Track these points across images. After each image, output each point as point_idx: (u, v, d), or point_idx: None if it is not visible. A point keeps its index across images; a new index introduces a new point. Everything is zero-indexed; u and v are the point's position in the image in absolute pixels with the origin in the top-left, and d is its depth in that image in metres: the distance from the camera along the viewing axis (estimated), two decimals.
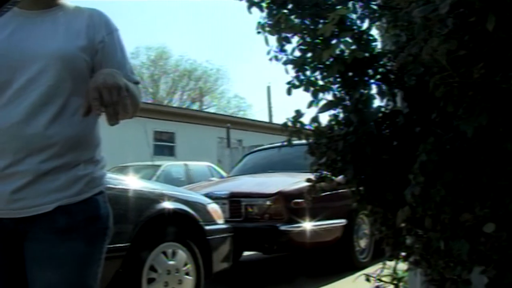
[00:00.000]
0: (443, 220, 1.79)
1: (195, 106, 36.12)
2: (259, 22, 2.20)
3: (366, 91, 2.07)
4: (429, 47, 1.59)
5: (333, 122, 2.19)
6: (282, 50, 2.17)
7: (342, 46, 1.95)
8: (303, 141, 2.37)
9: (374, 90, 2.12)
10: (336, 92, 2.14)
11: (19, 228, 1.67)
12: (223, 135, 20.19)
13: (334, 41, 1.97)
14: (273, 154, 7.74)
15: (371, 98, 2.09)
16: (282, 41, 2.14)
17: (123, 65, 1.80)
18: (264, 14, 2.18)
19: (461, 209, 1.75)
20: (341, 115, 2.17)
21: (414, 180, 1.79)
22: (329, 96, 2.16)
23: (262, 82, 72.12)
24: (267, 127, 25.55)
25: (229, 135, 19.55)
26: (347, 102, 2.10)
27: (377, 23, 2.21)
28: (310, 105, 2.17)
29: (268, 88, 43.50)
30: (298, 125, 2.25)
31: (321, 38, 1.97)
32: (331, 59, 2.00)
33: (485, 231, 1.68)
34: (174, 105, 32.50)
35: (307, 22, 2.03)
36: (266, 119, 31.59)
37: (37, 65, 1.65)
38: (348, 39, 1.97)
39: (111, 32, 1.80)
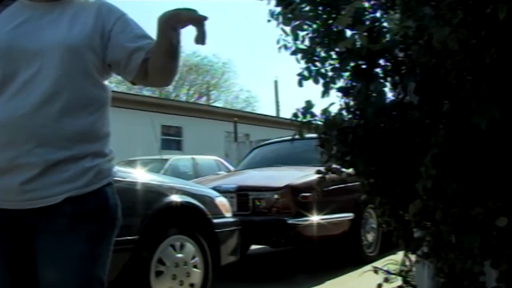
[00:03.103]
0: (454, 214, 1.77)
1: (202, 101, 36.15)
2: (270, 10, 2.19)
3: (379, 84, 2.05)
4: (440, 36, 1.58)
5: (343, 110, 2.17)
6: (295, 39, 2.16)
7: (356, 38, 1.93)
8: (311, 135, 2.36)
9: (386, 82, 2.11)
10: (348, 81, 2.13)
11: (29, 220, 1.67)
12: (230, 129, 20.19)
13: (349, 33, 1.95)
14: (281, 148, 7.73)
15: (384, 91, 2.07)
16: (296, 30, 2.12)
17: (145, 35, 1.79)
18: (273, 2, 2.17)
19: (472, 202, 1.73)
20: (352, 103, 2.15)
21: (426, 173, 1.78)
22: (339, 84, 2.15)
23: (270, 76, 71.99)
24: (274, 121, 25.55)
25: (237, 129, 19.54)
26: (359, 92, 2.08)
27: (388, 14, 2.20)
28: (323, 94, 2.15)
29: (276, 82, 43.55)
30: (308, 116, 2.24)
31: (334, 29, 1.95)
32: (343, 49, 1.98)
33: (498, 225, 1.66)
34: (182, 100, 32.48)
35: (319, 11, 2.01)
36: (273, 114, 31.60)
37: (43, 57, 1.65)
38: (363, 32, 1.95)
39: (120, 17, 1.80)
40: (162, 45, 1.67)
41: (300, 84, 2.19)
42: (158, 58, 1.71)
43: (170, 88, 35.78)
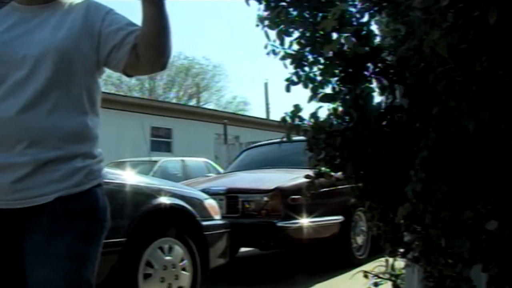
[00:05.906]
0: (444, 217, 1.77)
1: (192, 103, 36.11)
2: (258, 15, 2.18)
3: (366, 87, 2.04)
4: (430, 40, 1.58)
5: (331, 116, 2.17)
6: (281, 44, 2.15)
7: (343, 41, 1.93)
8: (301, 137, 2.35)
9: (374, 84, 2.10)
10: (335, 86, 2.12)
11: (19, 219, 1.67)
12: (220, 131, 20.18)
13: (335, 36, 1.95)
14: (271, 150, 7.73)
15: (371, 94, 2.07)
16: (282, 35, 2.12)
17: (133, 23, 1.80)
18: (263, 6, 2.16)
19: (462, 206, 1.73)
20: (340, 108, 2.14)
21: (415, 176, 1.77)
22: (328, 89, 2.14)
23: (260, 79, 72.05)
24: (264, 124, 25.60)
25: (226, 131, 19.53)
26: (347, 96, 2.08)
27: (377, 18, 2.20)
28: (310, 99, 2.15)
29: (266, 84, 43.77)
30: (297, 120, 2.23)
31: (321, 32, 1.95)
32: (331, 54, 1.98)
33: (488, 229, 1.66)
34: (172, 101, 32.45)
35: (306, 15, 2.01)
36: (264, 116, 31.65)
37: (33, 59, 1.66)
38: (349, 35, 1.95)
39: (108, 11, 1.81)
40: (147, 14, 1.68)
41: (287, 89, 2.18)
42: (146, 29, 1.70)
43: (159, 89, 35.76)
